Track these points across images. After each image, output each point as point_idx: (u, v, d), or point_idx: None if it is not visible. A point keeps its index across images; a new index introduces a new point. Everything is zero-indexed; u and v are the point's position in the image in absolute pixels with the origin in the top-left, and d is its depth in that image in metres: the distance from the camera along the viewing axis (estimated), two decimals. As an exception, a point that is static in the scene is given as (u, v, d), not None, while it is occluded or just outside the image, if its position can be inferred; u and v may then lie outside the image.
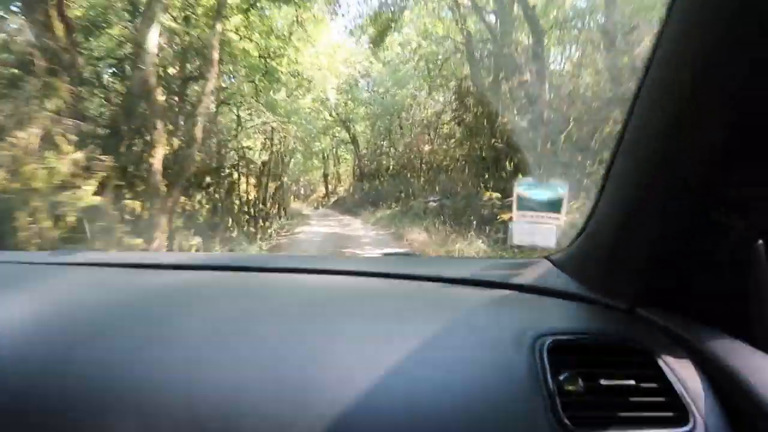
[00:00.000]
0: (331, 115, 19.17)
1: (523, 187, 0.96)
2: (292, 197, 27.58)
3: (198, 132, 5.39)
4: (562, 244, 0.83)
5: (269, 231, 10.94)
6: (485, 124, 8.95)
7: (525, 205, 0.94)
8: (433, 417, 0.46)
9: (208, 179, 7.96)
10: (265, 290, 0.78)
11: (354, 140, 20.78)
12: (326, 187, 27.46)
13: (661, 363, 0.51)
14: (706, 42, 0.41)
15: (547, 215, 0.93)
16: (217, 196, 8.44)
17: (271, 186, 15.91)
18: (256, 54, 8.18)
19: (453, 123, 11.62)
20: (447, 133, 13.07)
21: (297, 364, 0.52)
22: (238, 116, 10.26)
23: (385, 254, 1.35)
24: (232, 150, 10.82)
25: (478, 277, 0.78)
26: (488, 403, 0.47)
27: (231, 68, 8.14)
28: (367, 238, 9.64)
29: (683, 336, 0.53)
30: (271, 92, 9.70)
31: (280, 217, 14.81)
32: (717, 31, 0.40)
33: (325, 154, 25.01)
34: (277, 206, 15.34)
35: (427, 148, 14.09)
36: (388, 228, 11.58)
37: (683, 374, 0.50)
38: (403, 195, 14.26)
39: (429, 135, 14.20)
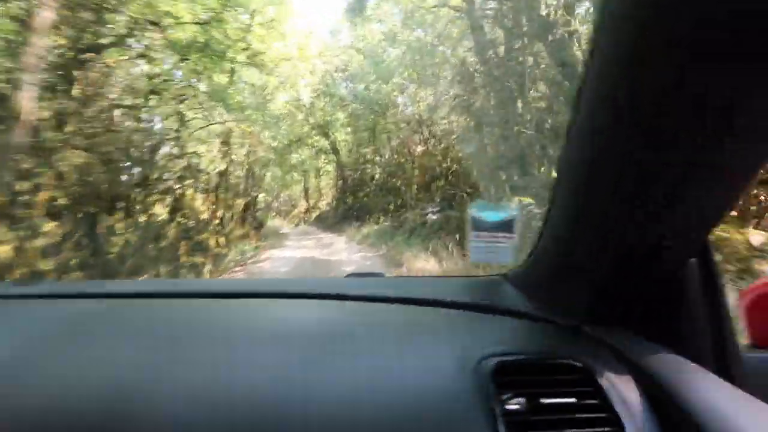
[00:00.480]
0: (307, 120, 17.03)
1: (475, 210, 1.01)
2: (273, 214, 25.76)
3: (26, 106, 3.06)
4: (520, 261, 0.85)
5: (226, 259, 8.60)
6: (501, 107, 6.80)
7: (479, 226, 0.99)
8: None
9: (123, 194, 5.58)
10: (221, 317, 0.76)
11: (335, 148, 18.73)
12: (307, 202, 26.37)
13: (602, 380, 0.52)
14: None
15: (501, 235, 0.98)
16: (138, 218, 6.05)
17: (239, 203, 13.68)
18: (188, 19, 5.91)
19: (453, 115, 9.47)
20: (444, 130, 10.95)
21: (240, 394, 0.52)
22: (180, 113, 7.94)
23: (349, 275, 1.17)
24: (174, 158, 8.49)
25: (434, 297, 0.78)
26: (430, 430, 0.48)
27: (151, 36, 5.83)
28: (351, 264, 7.35)
29: (624, 353, 0.55)
30: (218, 77, 7.36)
31: (251, 239, 12.47)
32: None
33: (305, 167, 23.29)
34: (245, 226, 12.98)
35: (419, 149, 11.95)
36: (377, 248, 9.47)
37: (623, 391, 0.51)
38: (392, 206, 12.29)
39: (421, 134, 12.05)
